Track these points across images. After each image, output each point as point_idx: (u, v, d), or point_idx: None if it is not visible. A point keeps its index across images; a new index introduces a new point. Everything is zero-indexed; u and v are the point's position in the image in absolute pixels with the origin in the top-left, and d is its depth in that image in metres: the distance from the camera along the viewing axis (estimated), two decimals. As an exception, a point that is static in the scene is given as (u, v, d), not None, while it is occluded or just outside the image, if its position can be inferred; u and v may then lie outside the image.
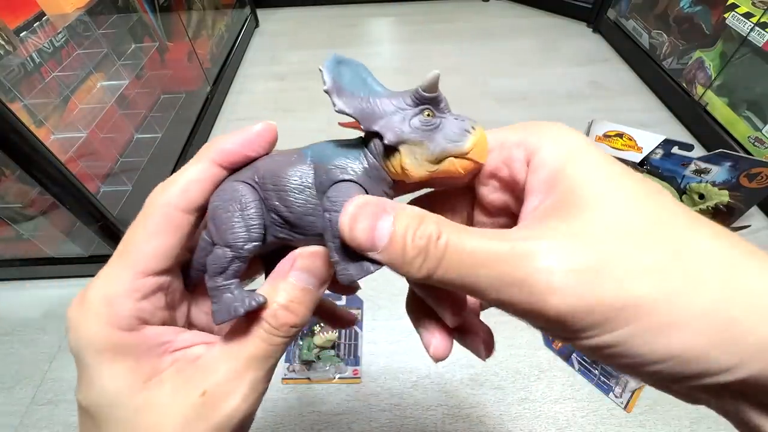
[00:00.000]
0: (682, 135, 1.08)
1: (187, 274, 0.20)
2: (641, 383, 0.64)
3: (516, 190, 0.17)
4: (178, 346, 0.18)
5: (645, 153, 0.76)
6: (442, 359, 0.20)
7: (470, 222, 0.21)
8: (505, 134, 0.18)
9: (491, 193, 0.19)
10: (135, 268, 0.17)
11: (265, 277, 0.19)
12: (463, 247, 0.14)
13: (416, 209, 0.15)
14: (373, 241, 0.15)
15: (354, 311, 0.74)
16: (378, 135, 0.17)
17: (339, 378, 0.67)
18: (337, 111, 0.17)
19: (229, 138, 0.19)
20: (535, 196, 0.15)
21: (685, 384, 0.13)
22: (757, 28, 0.89)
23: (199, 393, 0.16)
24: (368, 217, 0.15)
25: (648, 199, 0.14)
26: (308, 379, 0.66)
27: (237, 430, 0.17)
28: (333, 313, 0.25)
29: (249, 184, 0.18)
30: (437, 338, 0.21)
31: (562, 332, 0.13)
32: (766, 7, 0.88)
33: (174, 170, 1.00)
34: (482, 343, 0.21)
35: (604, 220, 0.13)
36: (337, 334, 0.69)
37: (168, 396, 0.16)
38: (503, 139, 0.17)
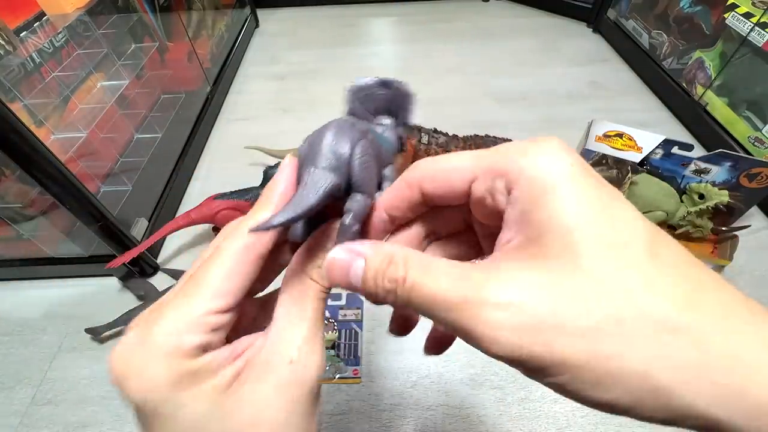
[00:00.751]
0: (682, 135, 1.08)
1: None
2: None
3: (500, 221, 0.18)
4: (239, 350, 0.19)
5: (645, 153, 0.76)
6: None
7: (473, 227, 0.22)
8: (491, 159, 0.17)
9: (481, 218, 0.19)
10: (208, 306, 0.17)
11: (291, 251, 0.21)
12: (424, 291, 0.15)
13: (387, 248, 0.16)
14: (349, 283, 0.17)
15: (354, 311, 0.74)
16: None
17: (339, 378, 0.67)
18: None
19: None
20: (507, 230, 0.16)
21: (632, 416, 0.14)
22: (757, 28, 0.89)
23: (286, 362, 0.18)
24: (343, 263, 0.17)
25: (612, 251, 0.14)
26: (308, 379, 0.66)
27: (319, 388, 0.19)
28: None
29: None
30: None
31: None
32: (766, 7, 0.88)
33: (174, 170, 1.00)
34: (431, 339, 0.24)
35: (558, 272, 0.14)
36: (337, 334, 0.69)
37: (253, 384, 0.17)
38: (490, 164, 0.17)
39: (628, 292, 0.13)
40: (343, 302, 0.75)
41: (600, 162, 0.79)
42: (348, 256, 0.17)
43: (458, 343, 0.68)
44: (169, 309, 0.17)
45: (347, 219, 0.18)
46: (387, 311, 0.80)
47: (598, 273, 0.13)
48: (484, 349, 0.14)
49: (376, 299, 0.17)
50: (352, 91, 0.24)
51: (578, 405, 0.56)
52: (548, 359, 0.13)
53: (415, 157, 0.90)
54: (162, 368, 0.16)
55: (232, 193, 0.79)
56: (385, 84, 0.25)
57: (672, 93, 1.15)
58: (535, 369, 0.14)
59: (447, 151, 0.89)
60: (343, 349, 0.70)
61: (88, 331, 0.70)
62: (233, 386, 0.17)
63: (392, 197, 0.20)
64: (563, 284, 0.14)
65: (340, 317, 0.73)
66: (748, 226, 0.75)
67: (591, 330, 0.13)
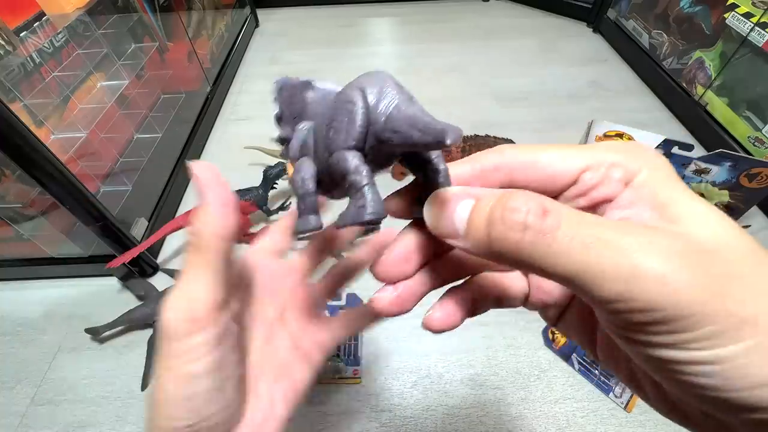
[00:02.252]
0: (682, 135, 1.08)
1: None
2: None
3: (597, 208, 0.17)
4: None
5: (645, 153, 0.76)
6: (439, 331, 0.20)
7: None
8: (599, 154, 0.17)
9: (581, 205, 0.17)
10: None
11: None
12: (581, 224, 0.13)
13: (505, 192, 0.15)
14: (453, 227, 0.15)
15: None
16: None
17: (339, 378, 0.67)
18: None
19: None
20: (631, 210, 0.15)
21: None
22: (757, 28, 0.89)
23: None
24: (450, 201, 0.16)
25: (740, 230, 0.14)
26: (308, 379, 0.66)
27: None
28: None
29: None
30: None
31: (658, 333, 0.12)
32: (766, 7, 0.88)
33: (174, 170, 1.00)
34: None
35: (715, 239, 0.13)
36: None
37: None
38: (599, 158, 0.17)
39: None
40: (343, 302, 0.75)
41: (600, 162, 0.79)
42: (457, 195, 0.15)
43: (458, 343, 0.68)
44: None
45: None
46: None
47: (744, 245, 0.13)
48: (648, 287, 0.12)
49: (490, 248, 0.14)
50: (275, 88, 0.22)
51: (578, 405, 0.55)
52: (744, 316, 0.11)
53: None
54: None
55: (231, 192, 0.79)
56: (307, 85, 0.22)
57: (672, 93, 1.15)
58: (707, 333, 0.11)
59: (447, 151, 0.89)
60: (343, 349, 0.70)
61: (88, 331, 0.70)
62: None
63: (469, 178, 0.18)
64: (724, 247, 0.13)
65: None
66: (749, 226, 0.75)
67: None
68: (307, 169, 0.19)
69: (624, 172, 0.16)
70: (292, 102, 0.22)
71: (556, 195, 0.17)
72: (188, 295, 0.18)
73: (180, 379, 0.17)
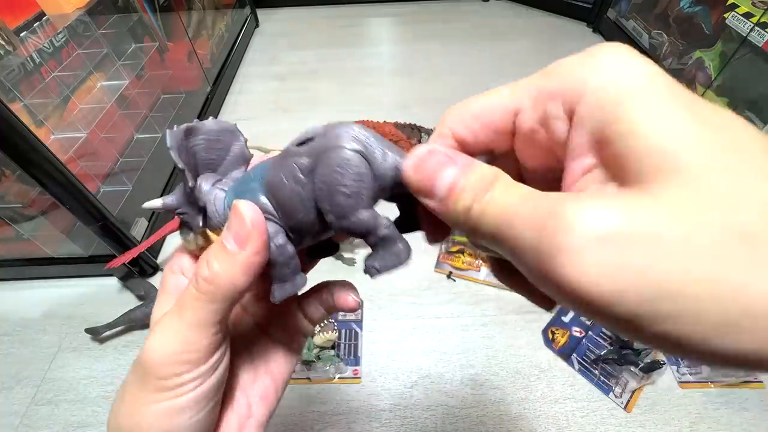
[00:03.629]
0: (682, 135, 1.08)
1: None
2: (641, 383, 0.64)
3: (560, 155, 0.14)
4: None
5: (645, 153, 0.76)
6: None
7: None
8: (536, 83, 0.14)
9: (531, 160, 0.16)
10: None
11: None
12: (498, 205, 0.13)
13: (487, 169, 0.14)
14: (433, 190, 0.14)
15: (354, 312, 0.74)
16: None
17: (339, 378, 0.67)
18: None
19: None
20: (578, 161, 0.13)
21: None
22: (757, 28, 0.89)
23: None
24: (436, 162, 0.14)
25: (727, 159, 0.10)
26: (308, 379, 0.66)
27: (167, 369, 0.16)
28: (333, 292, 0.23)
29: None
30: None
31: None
32: (766, 7, 0.88)
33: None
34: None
35: (660, 192, 0.10)
36: (336, 334, 0.69)
37: None
38: (534, 89, 0.14)
39: (763, 204, 0.09)
40: None
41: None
42: (443, 159, 0.14)
43: (458, 343, 0.68)
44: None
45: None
46: (387, 311, 0.80)
47: (713, 187, 0.10)
48: (567, 286, 0.10)
49: (450, 213, 0.14)
50: (179, 138, 0.18)
51: (578, 405, 0.56)
52: (659, 293, 0.09)
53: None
54: None
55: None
56: (193, 131, 0.19)
57: (672, 93, 1.15)
58: (637, 314, 0.10)
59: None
60: (343, 349, 0.70)
61: (88, 331, 0.70)
62: None
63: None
64: (671, 204, 0.10)
65: (340, 317, 0.73)
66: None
67: (715, 249, 0.09)
68: (277, 233, 0.18)
69: (564, 104, 0.13)
70: (210, 148, 0.20)
71: (510, 146, 0.16)
72: (184, 338, 0.16)
73: (162, 414, 0.16)
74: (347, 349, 0.70)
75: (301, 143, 0.17)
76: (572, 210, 0.11)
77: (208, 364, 0.17)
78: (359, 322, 0.73)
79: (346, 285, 0.22)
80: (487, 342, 0.71)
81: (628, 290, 0.10)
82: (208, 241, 0.19)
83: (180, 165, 0.18)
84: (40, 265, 0.79)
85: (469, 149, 0.16)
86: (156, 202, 0.20)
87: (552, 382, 0.66)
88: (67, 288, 0.80)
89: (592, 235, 0.10)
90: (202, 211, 0.19)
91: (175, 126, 0.18)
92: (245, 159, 0.21)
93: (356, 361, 0.68)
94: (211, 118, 0.20)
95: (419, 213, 0.18)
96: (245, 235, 0.16)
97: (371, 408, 0.64)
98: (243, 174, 0.20)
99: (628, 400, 0.63)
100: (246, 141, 0.21)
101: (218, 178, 0.20)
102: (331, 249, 0.22)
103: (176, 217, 0.20)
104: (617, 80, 0.12)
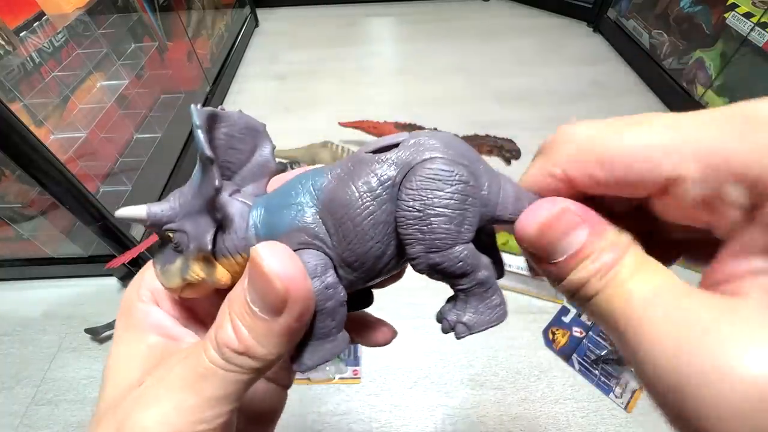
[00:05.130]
0: (683, 135, 1.08)
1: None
2: (642, 383, 0.64)
3: (718, 233, 0.11)
4: (171, 335, 0.17)
5: (645, 153, 0.76)
6: None
7: None
8: (713, 141, 0.10)
9: (671, 217, 0.12)
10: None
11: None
12: (619, 302, 0.11)
13: (619, 236, 0.12)
14: (551, 254, 0.12)
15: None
16: None
17: (339, 378, 0.67)
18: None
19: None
20: (746, 260, 0.10)
21: None
22: (757, 27, 0.89)
23: (139, 374, 0.15)
24: (564, 227, 0.12)
25: None
26: (308, 379, 0.66)
27: None
28: (365, 328, 0.19)
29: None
30: None
31: None
32: (766, 7, 0.88)
33: (174, 170, 1.00)
34: None
35: None
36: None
37: (129, 374, 0.15)
38: (708, 152, 0.10)
39: None
40: None
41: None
42: (574, 220, 0.12)
43: (458, 343, 0.68)
44: None
45: None
46: (387, 311, 0.80)
47: None
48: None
49: (562, 281, 0.12)
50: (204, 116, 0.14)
51: (578, 405, 0.55)
52: None
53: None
54: None
55: (231, 193, 0.79)
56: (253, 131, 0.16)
57: (672, 93, 1.15)
58: None
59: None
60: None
61: (87, 331, 0.70)
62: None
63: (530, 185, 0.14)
64: None
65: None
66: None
67: None
68: (326, 268, 0.14)
69: (748, 191, 0.09)
70: (230, 148, 0.16)
71: (646, 195, 0.12)
72: (196, 415, 0.13)
73: None
74: (347, 349, 0.70)
75: (379, 150, 0.13)
76: (736, 346, 0.08)
77: None
78: (359, 322, 0.73)
79: (371, 318, 0.19)
80: (487, 342, 0.71)
81: None
82: (209, 274, 0.15)
83: (207, 152, 0.13)
84: (40, 265, 0.79)
85: (576, 196, 0.13)
86: (137, 210, 0.14)
87: (552, 382, 0.66)
88: (67, 288, 0.80)
89: (759, 395, 0.08)
90: (216, 226, 0.14)
91: (199, 104, 0.14)
92: (269, 171, 0.16)
93: (356, 361, 0.68)
94: (239, 109, 0.16)
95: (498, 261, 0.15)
96: (277, 301, 0.12)
97: (371, 408, 0.64)
98: (283, 185, 0.15)
99: (629, 401, 0.63)
100: (274, 148, 0.16)
101: (235, 189, 0.15)
102: (365, 301, 0.17)
103: (156, 236, 0.16)
104: None
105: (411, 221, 0.12)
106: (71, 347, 0.72)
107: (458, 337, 0.14)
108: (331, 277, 0.14)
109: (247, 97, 1.29)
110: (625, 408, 0.62)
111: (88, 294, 0.79)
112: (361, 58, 1.45)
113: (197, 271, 0.15)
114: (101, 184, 0.79)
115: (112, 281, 0.80)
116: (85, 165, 0.73)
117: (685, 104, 1.09)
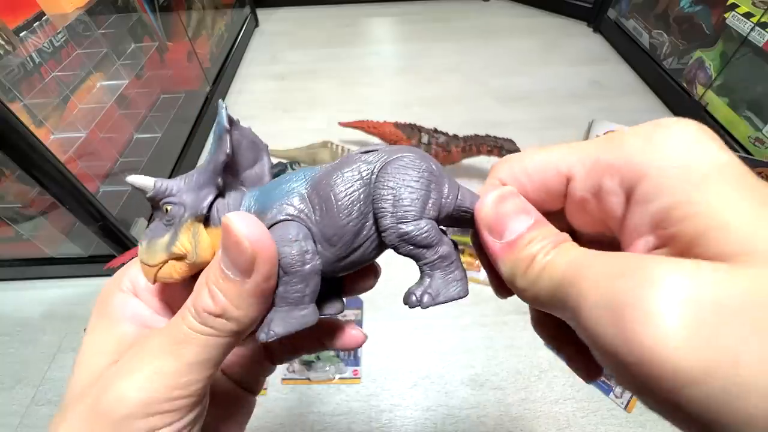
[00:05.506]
0: (683, 135, 1.08)
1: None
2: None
3: (612, 226, 0.14)
4: (149, 326, 0.17)
5: (645, 153, 0.76)
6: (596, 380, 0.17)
7: None
8: (592, 151, 0.14)
9: (582, 225, 0.16)
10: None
11: None
12: (566, 261, 0.12)
13: (558, 231, 0.14)
14: (503, 231, 0.14)
15: (354, 311, 0.74)
16: None
17: (339, 378, 0.67)
18: None
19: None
20: (642, 239, 0.12)
21: None
22: (757, 27, 0.89)
23: (111, 361, 0.15)
24: (513, 207, 0.14)
25: None
26: (308, 379, 0.66)
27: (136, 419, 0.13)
28: (334, 331, 0.21)
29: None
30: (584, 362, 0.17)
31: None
32: (766, 7, 0.88)
33: (174, 170, 1.00)
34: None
35: (737, 275, 0.09)
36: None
37: (100, 361, 0.16)
38: (590, 158, 0.14)
39: None
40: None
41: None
42: (521, 205, 0.14)
43: (458, 343, 0.68)
44: None
45: None
46: (386, 311, 0.79)
47: None
48: (645, 352, 0.09)
49: (511, 259, 0.14)
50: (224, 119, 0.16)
51: (578, 405, 0.55)
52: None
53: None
54: None
55: (231, 193, 0.79)
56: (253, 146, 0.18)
57: (672, 93, 1.15)
58: (720, 398, 0.09)
59: (447, 151, 0.89)
60: None
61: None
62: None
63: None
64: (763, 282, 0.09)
65: (338, 317, 0.73)
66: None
67: None
68: (305, 237, 0.15)
69: (620, 179, 0.13)
70: (239, 149, 0.18)
71: (560, 206, 0.15)
72: (175, 380, 0.14)
73: None
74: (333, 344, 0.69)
75: (367, 152, 0.16)
76: (659, 268, 0.10)
77: (194, 412, 0.14)
78: (359, 323, 0.73)
79: (340, 321, 0.20)
80: (487, 342, 0.71)
81: (719, 368, 0.09)
82: (195, 246, 0.15)
83: (225, 122, 0.15)
84: (40, 265, 0.79)
85: None
86: (146, 180, 0.16)
87: (552, 382, 0.66)
88: (67, 288, 0.80)
89: (683, 296, 0.09)
90: (216, 193, 0.16)
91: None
92: (264, 184, 0.18)
93: (356, 362, 0.68)
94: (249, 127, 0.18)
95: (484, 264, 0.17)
96: (245, 261, 0.13)
97: (371, 408, 0.64)
98: (279, 177, 0.17)
99: (629, 401, 0.63)
100: (271, 166, 0.19)
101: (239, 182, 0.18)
102: (337, 302, 0.19)
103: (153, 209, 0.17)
104: (690, 163, 0.11)
105: (385, 196, 0.15)
106: (71, 347, 0.72)
107: (424, 307, 0.16)
108: (310, 245, 0.15)
109: (248, 97, 1.29)
110: (625, 408, 0.62)
111: (88, 294, 0.79)
112: (361, 58, 1.44)
113: (184, 243, 0.15)
114: (101, 184, 0.79)
115: (112, 281, 0.80)
116: (85, 165, 0.73)
117: (685, 104, 1.09)
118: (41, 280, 0.82)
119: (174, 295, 0.18)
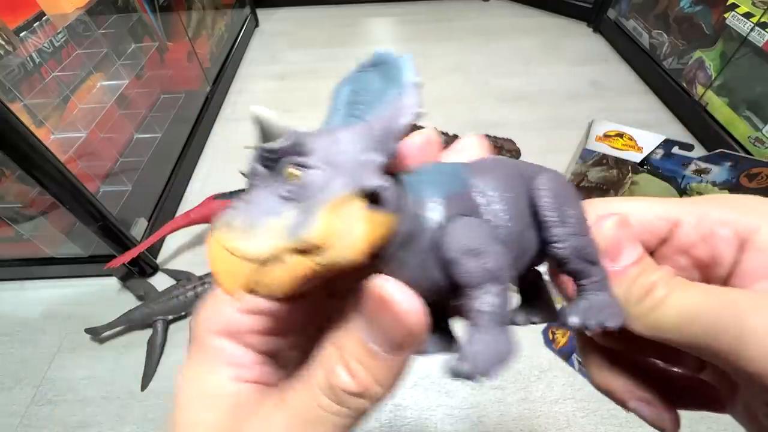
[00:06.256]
0: (683, 135, 1.08)
1: None
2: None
3: (711, 274, 0.15)
4: (250, 376, 0.15)
5: (645, 153, 0.76)
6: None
7: None
8: (700, 206, 0.15)
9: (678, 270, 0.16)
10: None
11: None
12: (679, 302, 0.13)
13: (655, 264, 0.15)
14: (619, 255, 0.14)
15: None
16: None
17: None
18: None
19: None
20: (761, 283, 0.13)
21: None
22: (757, 28, 0.89)
23: (223, 426, 0.14)
24: (631, 233, 0.15)
25: None
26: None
27: None
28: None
29: None
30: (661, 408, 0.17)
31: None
32: (766, 7, 0.88)
33: (174, 170, 1.00)
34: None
35: None
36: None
37: (206, 417, 0.14)
38: (699, 211, 0.15)
39: None
40: None
41: (600, 162, 0.79)
42: (634, 234, 0.15)
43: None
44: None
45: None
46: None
47: None
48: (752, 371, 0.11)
49: (632, 296, 0.14)
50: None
51: (579, 405, 0.55)
52: None
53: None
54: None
55: (231, 193, 0.79)
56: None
57: (672, 93, 1.15)
58: None
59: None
60: None
61: (88, 331, 0.70)
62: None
63: None
64: None
65: None
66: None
67: None
68: (501, 254, 0.12)
69: (735, 230, 0.14)
70: None
71: (651, 251, 0.16)
72: None
73: None
74: None
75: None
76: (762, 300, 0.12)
77: None
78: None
79: None
80: (487, 342, 0.70)
81: None
82: (346, 232, 0.10)
83: (414, 76, 0.11)
84: (40, 265, 0.79)
85: None
86: (279, 122, 0.11)
87: (552, 382, 0.66)
88: (67, 288, 0.80)
89: None
90: (388, 158, 0.10)
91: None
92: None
93: (356, 361, 0.68)
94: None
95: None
96: (402, 336, 0.12)
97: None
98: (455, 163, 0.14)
99: (628, 400, 0.63)
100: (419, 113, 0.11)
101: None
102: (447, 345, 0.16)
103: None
104: None
105: (551, 205, 0.13)
106: (71, 347, 0.72)
107: (585, 329, 0.14)
108: (502, 260, 0.12)
109: (248, 97, 1.29)
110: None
111: (88, 294, 0.79)
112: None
113: (326, 226, 0.09)
114: (101, 184, 0.79)
115: (112, 281, 0.80)
116: (85, 165, 0.73)
117: (685, 104, 1.09)
118: (41, 280, 0.82)
119: (277, 330, 0.15)
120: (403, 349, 0.12)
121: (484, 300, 0.11)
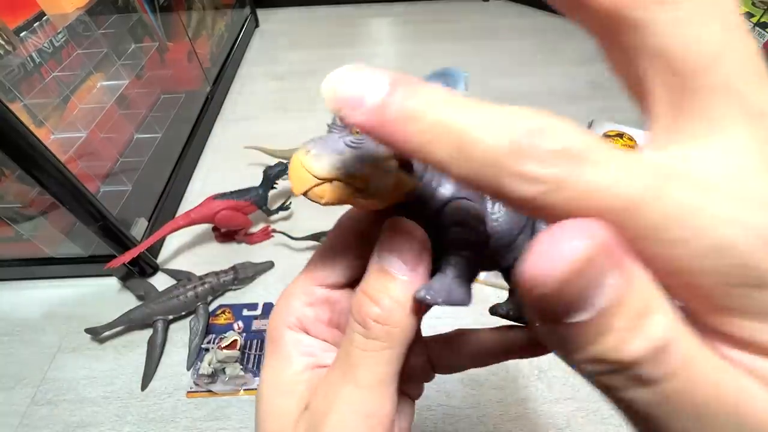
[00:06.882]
0: (683, 135, 1.08)
1: None
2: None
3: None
4: (320, 362, 0.17)
5: (645, 153, 0.76)
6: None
7: None
8: None
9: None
10: (307, 276, 0.17)
11: None
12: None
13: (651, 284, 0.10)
14: (585, 304, 0.08)
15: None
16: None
17: (245, 390, 0.64)
18: None
19: None
20: (660, 108, 0.10)
21: None
22: (757, 28, 0.89)
23: (302, 407, 0.16)
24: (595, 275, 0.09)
25: None
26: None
27: None
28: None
29: None
30: None
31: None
32: (765, 7, 0.88)
33: (174, 170, 1.00)
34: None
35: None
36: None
37: (285, 403, 0.16)
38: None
39: None
40: (258, 312, 0.73)
41: (600, 162, 0.79)
42: (607, 264, 0.08)
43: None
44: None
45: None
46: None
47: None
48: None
49: (631, 356, 0.08)
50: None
51: (578, 405, 0.55)
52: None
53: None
54: (273, 322, 0.18)
55: (231, 193, 0.79)
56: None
57: (672, 93, 1.15)
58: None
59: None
60: (253, 360, 0.67)
61: (88, 331, 0.70)
62: (289, 389, 0.16)
63: None
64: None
65: (253, 328, 0.70)
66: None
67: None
68: (483, 234, 0.16)
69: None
70: None
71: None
72: (367, 411, 0.14)
73: None
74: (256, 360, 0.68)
75: None
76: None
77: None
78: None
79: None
80: (487, 342, 0.71)
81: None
82: (381, 185, 0.14)
83: None
84: (40, 265, 0.79)
85: None
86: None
87: (552, 382, 0.66)
88: (67, 288, 0.80)
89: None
90: None
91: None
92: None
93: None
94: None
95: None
96: (411, 256, 0.14)
97: (371, 408, 0.64)
98: None
99: (629, 400, 0.63)
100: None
101: None
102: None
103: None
104: (710, 13, 0.10)
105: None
106: (71, 347, 0.72)
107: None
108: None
109: (248, 97, 1.29)
110: (625, 408, 0.62)
111: (88, 294, 0.79)
112: (361, 59, 1.45)
113: (367, 170, 0.13)
114: (101, 184, 0.79)
115: (112, 281, 0.80)
116: (85, 165, 0.73)
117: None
118: (41, 280, 0.82)
119: (335, 321, 0.18)
120: (414, 269, 0.14)
121: (457, 260, 0.15)
